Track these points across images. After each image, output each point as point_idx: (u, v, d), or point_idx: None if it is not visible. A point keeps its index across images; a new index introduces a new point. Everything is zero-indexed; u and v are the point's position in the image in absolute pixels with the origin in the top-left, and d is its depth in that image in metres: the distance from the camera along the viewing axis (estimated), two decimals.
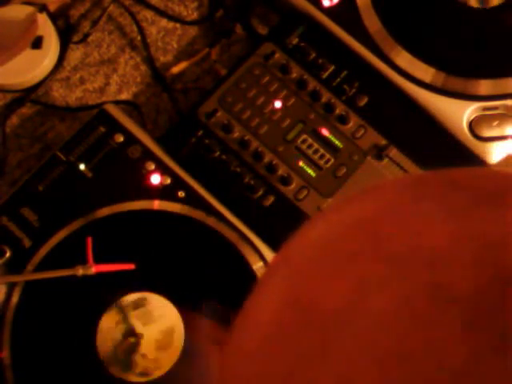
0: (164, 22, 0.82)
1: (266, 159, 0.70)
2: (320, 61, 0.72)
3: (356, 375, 0.20)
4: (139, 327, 0.63)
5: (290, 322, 0.23)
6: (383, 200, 0.26)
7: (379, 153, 0.69)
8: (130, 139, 0.69)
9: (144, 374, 0.62)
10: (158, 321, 0.63)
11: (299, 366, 0.22)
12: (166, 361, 0.62)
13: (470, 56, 0.73)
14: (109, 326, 0.63)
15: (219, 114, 0.71)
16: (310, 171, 0.69)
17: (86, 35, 0.80)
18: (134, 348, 0.63)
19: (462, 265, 0.21)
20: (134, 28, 0.81)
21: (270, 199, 0.68)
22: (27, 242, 0.66)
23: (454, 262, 0.21)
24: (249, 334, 0.25)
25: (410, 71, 0.71)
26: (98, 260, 0.63)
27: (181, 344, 0.63)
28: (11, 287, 0.65)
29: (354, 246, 0.24)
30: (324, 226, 0.27)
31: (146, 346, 0.63)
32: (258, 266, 0.65)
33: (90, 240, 0.64)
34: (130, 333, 0.63)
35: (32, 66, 0.77)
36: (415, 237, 0.23)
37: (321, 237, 0.26)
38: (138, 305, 0.64)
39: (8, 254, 0.66)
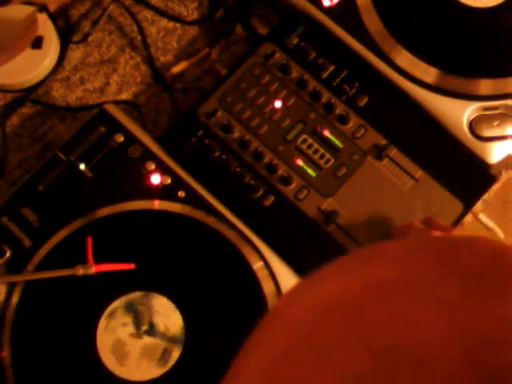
0: (164, 22, 0.82)
1: (266, 159, 0.70)
2: (320, 61, 0.72)
3: None
4: (139, 326, 0.63)
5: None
6: (369, 277, 0.24)
7: (379, 153, 0.69)
8: (130, 139, 0.69)
9: (144, 373, 0.62)
10: (158, 320, 0.63)
11: None
12: (166, 360, 0.62)
13: (470, 56, 0.73)
14: (109, 326, 0.63)
15: (219, 113, 0.71)
16: (310, 171, 0.69)
17: (86, 35, 0.81)
18: (134, 347, 0.63)
19: (450, 367, 0.20)
20: (134, 28, 0.81)
21: (270, 199, 0.68)
22: (27, 242, 0.66)
23: (443, 362, 0.20)
24: None
25: (410, 71, 0.71)
26: (98, 260, 0.63)
27: (181, 323, 0.63)
28: (11, 287, 0.65)
29: (336, 333, 0.22)
30: (301, 309, 0.25)
31: (151, 341, 0.63)
32: (257, 265, 0.65)
33: (90, 240, 0.64)
34: (130, 332, 0.63)
35: (32, 66, 0.77)
36: (403, 326, 0.21)
37: (298, 324, 0.25)
38: (138, 304, 0.64)
39: (8, 254, 0.66)
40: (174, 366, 0.62)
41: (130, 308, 0.64)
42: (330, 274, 0.26)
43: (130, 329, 0.63)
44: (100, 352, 0.63)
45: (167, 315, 0.63)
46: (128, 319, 0.63)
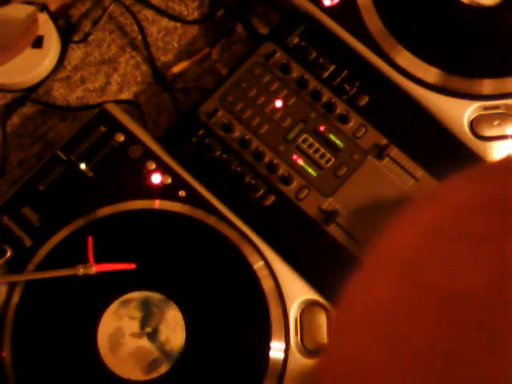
0: (165, 22, 0.82)
1: (267, 159, 0.70)
2: (321, 60, 0.72)
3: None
4: (140, 326, 0.63)
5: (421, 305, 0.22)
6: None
7: (380, 152, 0.69)
8: (131, 139, 0.69)
9: (145, 373, 0.62)
10: (163, 329, 0.63)
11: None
12: (167, 359, 0.62)
13: (470, 55, 0.73)
14: (110, 326, 0.63)
15: (220, 113, 0.71)
16: (310, 171, 0.69)
17: (87, 35, 0.81)
18: (134, 346, 0.63)
19: None
20: (135, 27, 0.81)
21: (271, 199, 0.68)
22: (28, 242, 0.66)
23: None
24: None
25: (411, 71, 0.71)
26: (99, 260, 0.63)
27: (182, 343, 0.63)
28: (12, 287, 0.65)
29: (482, 225, 0.22)
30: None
31: (147, 345, 0.63)
32: (258, 265, 0.65)
33: (90, 239, 0.64)
34: (131, 331, 0.63)
35: (33, 66, 0.77)
36: None
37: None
38: (153, 305, 0.64)
39: (9, 254, 0.66)
40: (155, 379, 0.62)
41: (145, 305, 0.64)
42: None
43: (135, 324, 0.63)
44: (101, 351, 0.63)
45: (174, 329, 0.63)
46: (138, 314, 0.63)
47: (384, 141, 0.70)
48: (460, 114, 0.70)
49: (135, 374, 0.62)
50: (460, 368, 0.20)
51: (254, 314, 0.64)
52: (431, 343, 0.20)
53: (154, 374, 0.62)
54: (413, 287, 0.22)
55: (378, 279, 0.25)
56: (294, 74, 0.72)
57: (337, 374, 0.25)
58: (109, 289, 0.64)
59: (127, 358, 0.62)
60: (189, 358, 0.62)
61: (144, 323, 0.63)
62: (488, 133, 0.69)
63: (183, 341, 0.63)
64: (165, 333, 0.63)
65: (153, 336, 0.63)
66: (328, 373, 0.26)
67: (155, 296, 0.64)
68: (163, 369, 0.62)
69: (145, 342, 0.63)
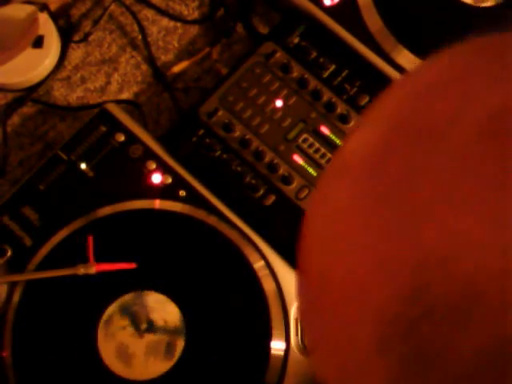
0: (165, 22, 0.82)
1: (267, 158, 0.70)
2: (321, 60, 0.72)
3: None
4: (140, 326, 0.63)
5: (393, 143, 0.24)
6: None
7: None
8: (131, 138, 0.69)
9: (145, 372, 0.62)
10: (155, 316, 0.63)
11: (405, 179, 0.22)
12: (167, 359, 0.62)
13: None
14: (110, 325, 0.63)
15: (220, 113, 0.71)
16: (310, 170, 0.69)
17: (87, 34, 0.81)
18: (132, 345, 0.63)
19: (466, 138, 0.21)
20: (135, 27, 0.81)
21: (271, 198, 0.68)
22: (28, 241, 0.66)
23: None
24: (355, 152, 0.26)
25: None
26: (99, 259, 0.63)
27: (178, 313, 0.63)
28: (12, 286, 0.65)
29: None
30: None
31: (153, 337, 0.63)
32: (258, 265, 0.65)
33: (91, 239, 0.64)
34: (131, 331, 0.63)
35: (33, 66, 0.77)
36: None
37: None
38: (132, 305, 0.64)
39: (9, 253, 0.66)
40: (180, 357, 0.62)
41: (125, 311, 0.64)
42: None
43: (130, 331, 0.63)
44: (101, 351, 0.63)
45: (164, 309, 0.63)
46: (125, 322, 0.63)
47: None
48: None
49: (160, 367, 0.62)
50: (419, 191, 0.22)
51: (254, 313, 0.64)
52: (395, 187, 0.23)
53: (177, 354, 0.62)
54: (382, 132, 0.25)
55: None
56: (295, 74, 0.72)
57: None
58: (109, 289, 0.64)
59: (145, 360, 0.62)
60: (189, 357, 0.62)
61: (136, 324, 0.63)
62: None
63: (178, 311, 0.63)
64: (158, 317, 0.63)
65: (151, 328, 0.63)
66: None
67: (127, 297, 0.64)
68: (180, 345, 0.62)
69: (149, 337, 0.63)
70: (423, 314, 0.21)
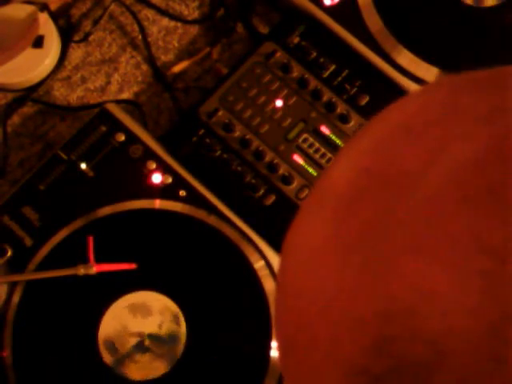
0: (165, 22, 0.82)
1: (267, 158, 0.70)
2: (321, 60, 0.72)
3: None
4: (141, 326, 0.63)
5: (366, 186, 0.23)
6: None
7: None
8: (131, 138, 0.69)
9: (145, 373, 0.62)
10: (159, 319, 0.63)
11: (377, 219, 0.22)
12: (168, 359, 0.62)
13: (471, 55, 0.72)
14: (110, 325, 0.63)
15: (220, 113, 0.71)
16: (311, 170, 0.69)
17: (87, 34, 0.81)
18: (135, 346, 0.63)
19: None
20: (135, 27, 0.81)
21: (271, 198, 0.68)
22: (28, 241, 0.66)
23: None
24: (327, 196, 0.25)
25: (412, 70, 0.71)
26: (100, 259, 0.63)
27: (182, 343, 0.63)
28: (12, 286, 0.65)
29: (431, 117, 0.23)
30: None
31: (148, 345, 0.63)
32: (259, 264, 0.65)
33: (91, 239, 0.64)
34: (132, 331, 0.63)
35: (33, 66, 0.77)
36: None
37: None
38: (139, 304, 0.64)
39: (9, 254, 0.66)
40: (181, 357, 0.62)
41: (132, 307, 0.64)
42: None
43: (130, 331, 0.63)
44: (101, 351, 0.63)
45: (168, 314, 0.63)
46: (129, 318, 0.63)
47: None
48: None
49: (162, 367, 0.62)
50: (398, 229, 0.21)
51: (254, 313, 0.64)
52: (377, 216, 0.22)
53: (177, 355, 0.62)
54: (356, 172, 0.24)
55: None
56: (295, 74, 0.72)
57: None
58: (109, 289, 0.64)
59: (145, 360, 0.62)
60: (189, 358, 0.62)
61: (135, 327, 0.63)
62: None
63: (178, 311, 0.63)
64: (159, 319, 0.63)
65: (154, 324, 0.63)
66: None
67: (129, 297, 0.64)
68: (181, 344, 0.62)
69: (150, 338, 0.63)
70: (389, 369, 0.20)
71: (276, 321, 0.28)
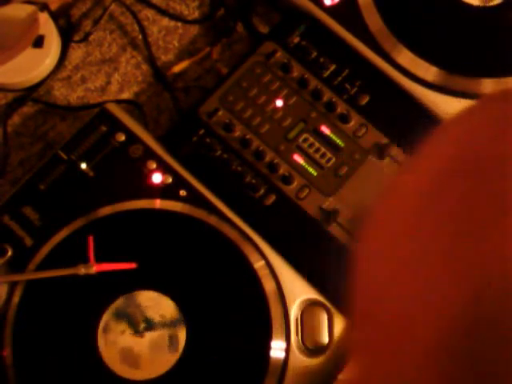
0: (165, 21, 0.82)
1: (267, 158, 0.70)
2: (321, 60, 0.72)
3: None
4: (141, 326, 0.63)
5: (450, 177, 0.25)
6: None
7: (380, 152, 0.69)
8: (132, 138, 0.69)
9: (146, 372, 0.62)
10: (151, 313, 0.63)
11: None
12: (168, 359, 0.62)
13: (472, 55, 0.72)
14: (110, 325, 0.63)
15: (220, 112, 0.71)
16: (311, 170, 0.69)
17: (88, 34, 0.81)
18: (135, 346, 0.63)
19: None
20: (136, 27, 0.81)
21: (272, 198, 0.68)
22: (29, 241, 0.66)
23: None
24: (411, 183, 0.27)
25: (412, 70, 0.71)
26: (100, 259, 0.63)
27: (173, 305, 0.63)
28: (13, 286, 0.65)
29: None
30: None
31: (154, 334, 0.63)
32: (259, 264, 0.65)
33: (91, 239, 0.64)
34: (132, 331, 0.63)
35: (33, 65, 0.77)
36: None
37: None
38: (126, 308, 0.64)
39: (9, 253, 0.66)
40: (185, 348, 0.62)
41: (120, 315, 0.64)
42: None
43: (129, 333, 0.63)
44: (101, 351, 0.63)
45: (158, 305, 0.63)
46: (123, 326, 0.63)
47: (385, 140, 0.70)
48: None
49: (168, 361, 0.62)
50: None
51: (254, 313, 0.64)
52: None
53: (181, 345, 0.62)
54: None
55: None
56: (295, 74, 0.72)
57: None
58: (109, 289, 0.64)
59: (151, 358, 0.62)
60: (189, 357, 0.62)
61: (134, 326, 0.63)
62: None
63: (178, 311, 0.63)
64: (155, 313, 0.63)
65: (149, 325, 0.63)
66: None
67: (119, 301, 0.64)
68: (182, 336, 0.62)
69: (150, 335, 0.63)
70: (482, 318, 0.21)
71: (356, 290, 0.28)
